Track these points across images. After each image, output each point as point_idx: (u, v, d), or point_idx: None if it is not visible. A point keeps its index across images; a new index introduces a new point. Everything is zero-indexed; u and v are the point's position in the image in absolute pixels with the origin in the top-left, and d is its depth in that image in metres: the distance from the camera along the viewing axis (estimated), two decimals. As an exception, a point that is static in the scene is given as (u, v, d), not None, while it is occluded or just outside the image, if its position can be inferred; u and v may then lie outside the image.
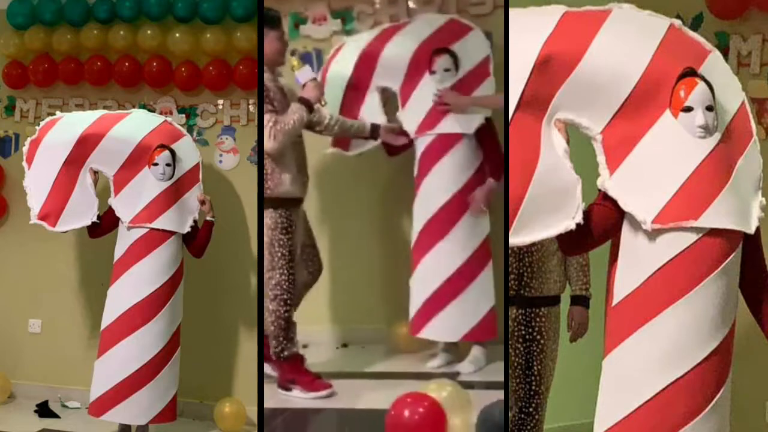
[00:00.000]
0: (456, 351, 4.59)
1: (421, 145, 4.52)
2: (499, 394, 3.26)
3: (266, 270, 4.18)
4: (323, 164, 4.98)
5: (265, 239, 4.15)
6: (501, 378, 4.18)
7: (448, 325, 4.45)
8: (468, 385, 3.78)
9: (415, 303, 4.52)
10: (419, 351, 4.74)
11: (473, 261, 4.40)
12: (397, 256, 4.89)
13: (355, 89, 4.72)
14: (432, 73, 4.47)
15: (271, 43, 4.13)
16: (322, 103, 4.27)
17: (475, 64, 4.47)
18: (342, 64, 4.79)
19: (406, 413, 3.34)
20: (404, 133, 4.56)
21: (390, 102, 4.72)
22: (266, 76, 4.18)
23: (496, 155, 4.42)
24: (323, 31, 5.13)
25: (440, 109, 4.44)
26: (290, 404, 4.11)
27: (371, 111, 4.69)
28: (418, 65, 4.56)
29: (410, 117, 4.56)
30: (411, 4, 4.96)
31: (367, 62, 4.71)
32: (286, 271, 4.16)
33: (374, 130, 4.53)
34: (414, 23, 4.73)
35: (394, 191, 4.99)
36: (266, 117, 4.05)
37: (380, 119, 4.65)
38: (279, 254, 4.15)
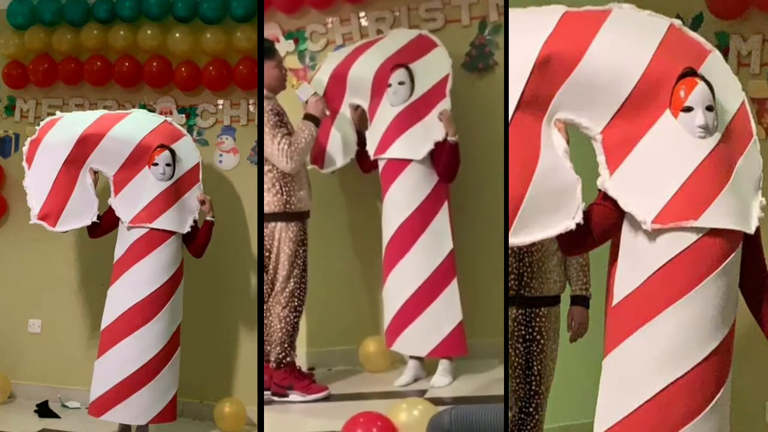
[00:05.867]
0: (423, 365, 4.56)
1: (381, 165, 4.57)
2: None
3: (282, 279, 4.42)
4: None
5: (288, 251, 4.39)
6: (470, 392, 4.26)
7: (417, 339, 4.43)
8: (438, 401, 3.79)
9: (388, 316, 4.52)
10: (389, 369, 4.72)
11: (436, 277, 4.40)
12: (366, 274, 4.83)
13: (329, 104, 4.70)
14: (388, 86, 4.51)
15: (269, 72, 4.34)
16: (327, 114, 4.44)
17: (434, 83, 4.48)
18: (319, 80, 4.81)
19: None
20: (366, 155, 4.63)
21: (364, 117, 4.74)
22: (272, 101, 4.36)
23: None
24: None
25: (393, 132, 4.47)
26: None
27: (342, 126, 4.73)
28: (381, 83, 4.58)
29: (372, 137, 4.61)
30: (363, 23, 4.94)
31: (337, 80, 4.73)
32: (301, 281, 4.43)
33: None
34: (384, 39, 4.75)
35: (370, 208, 4.94)
36: (282, 140, 4.26)
37: (351, 135, 4.69)
38: (297, 265, 4.40)
